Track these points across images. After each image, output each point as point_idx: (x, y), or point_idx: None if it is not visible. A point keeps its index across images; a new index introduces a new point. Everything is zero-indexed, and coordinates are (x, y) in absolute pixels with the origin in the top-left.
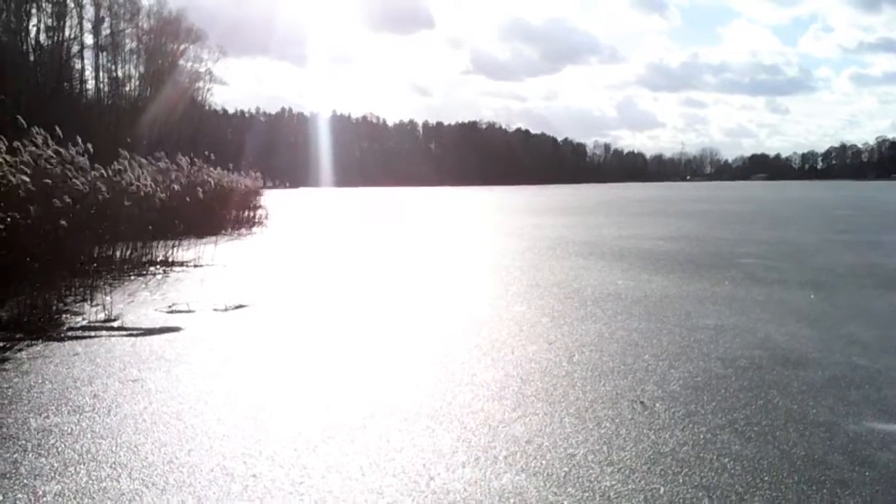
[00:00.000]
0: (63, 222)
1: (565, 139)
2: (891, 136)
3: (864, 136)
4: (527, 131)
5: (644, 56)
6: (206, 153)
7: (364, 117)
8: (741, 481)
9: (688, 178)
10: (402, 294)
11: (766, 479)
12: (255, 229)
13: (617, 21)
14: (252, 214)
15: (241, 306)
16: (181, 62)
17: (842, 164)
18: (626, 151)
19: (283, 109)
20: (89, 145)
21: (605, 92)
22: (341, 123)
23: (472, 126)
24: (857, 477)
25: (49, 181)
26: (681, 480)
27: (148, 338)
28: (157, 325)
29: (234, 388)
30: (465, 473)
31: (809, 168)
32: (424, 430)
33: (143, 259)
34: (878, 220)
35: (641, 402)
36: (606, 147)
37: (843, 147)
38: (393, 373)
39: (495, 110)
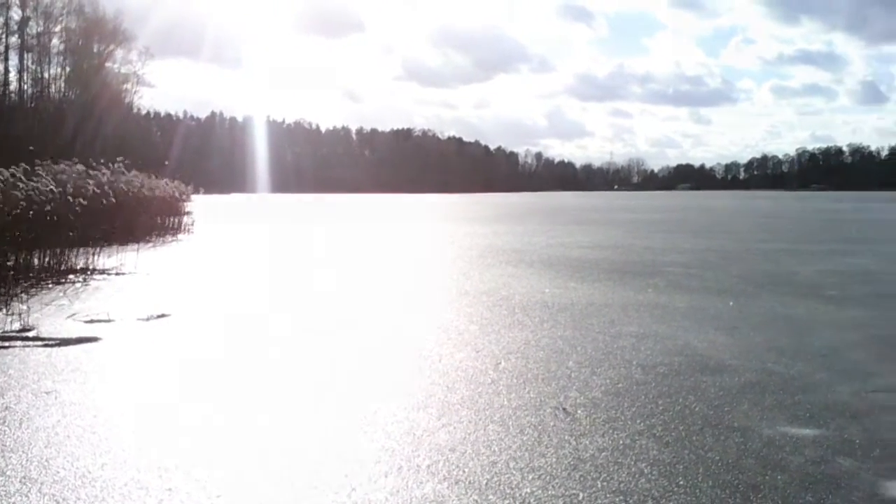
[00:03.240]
0: None
1: (498, 147)
2: (810, 147)
3: (784, 146)
4: (460, 139)
5: (572, 66)
6: (128, 158)
7: (297, 122)
8: (657, 486)
9: (616, 187)
10: (326, 303)
11: (682, 483)
12: (180, 236)
13: (544, 30)
14: (178, 221)
15: (162, 315)
16: (108, 64)
17: (763, 174)
18: (556, 161)
19: (213, 113)
20: None
21: (535, 101)
22: (274, 129)
23: (407, 133)
24: (769, 480)
25: None
26: (599, 486)
27: (64, 348)
28: (74, 336)
29: (151, 399)
30: (387, 483)
31: (732, 178)
32: (346, 440)
33: (63, 266)
34: (797, 229)
35: (564, 409)
36: (538, 156)
37: (765, 158)
38: (315, 382)
39: (427, 118)
